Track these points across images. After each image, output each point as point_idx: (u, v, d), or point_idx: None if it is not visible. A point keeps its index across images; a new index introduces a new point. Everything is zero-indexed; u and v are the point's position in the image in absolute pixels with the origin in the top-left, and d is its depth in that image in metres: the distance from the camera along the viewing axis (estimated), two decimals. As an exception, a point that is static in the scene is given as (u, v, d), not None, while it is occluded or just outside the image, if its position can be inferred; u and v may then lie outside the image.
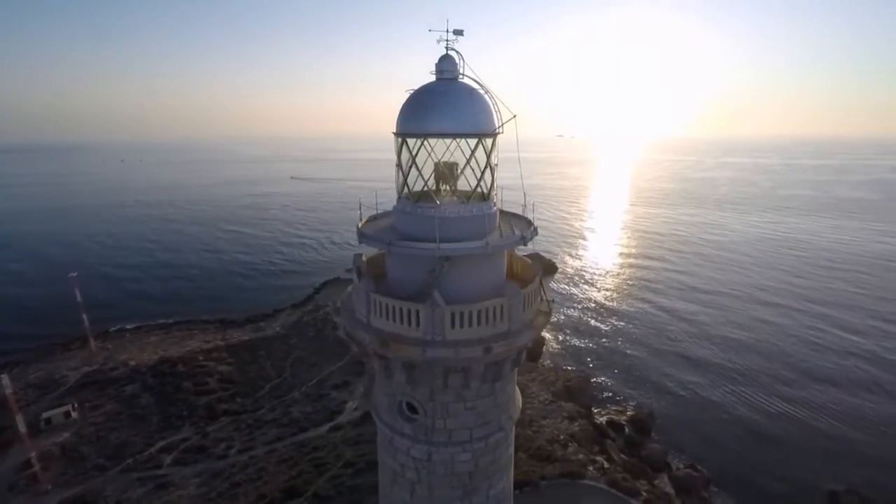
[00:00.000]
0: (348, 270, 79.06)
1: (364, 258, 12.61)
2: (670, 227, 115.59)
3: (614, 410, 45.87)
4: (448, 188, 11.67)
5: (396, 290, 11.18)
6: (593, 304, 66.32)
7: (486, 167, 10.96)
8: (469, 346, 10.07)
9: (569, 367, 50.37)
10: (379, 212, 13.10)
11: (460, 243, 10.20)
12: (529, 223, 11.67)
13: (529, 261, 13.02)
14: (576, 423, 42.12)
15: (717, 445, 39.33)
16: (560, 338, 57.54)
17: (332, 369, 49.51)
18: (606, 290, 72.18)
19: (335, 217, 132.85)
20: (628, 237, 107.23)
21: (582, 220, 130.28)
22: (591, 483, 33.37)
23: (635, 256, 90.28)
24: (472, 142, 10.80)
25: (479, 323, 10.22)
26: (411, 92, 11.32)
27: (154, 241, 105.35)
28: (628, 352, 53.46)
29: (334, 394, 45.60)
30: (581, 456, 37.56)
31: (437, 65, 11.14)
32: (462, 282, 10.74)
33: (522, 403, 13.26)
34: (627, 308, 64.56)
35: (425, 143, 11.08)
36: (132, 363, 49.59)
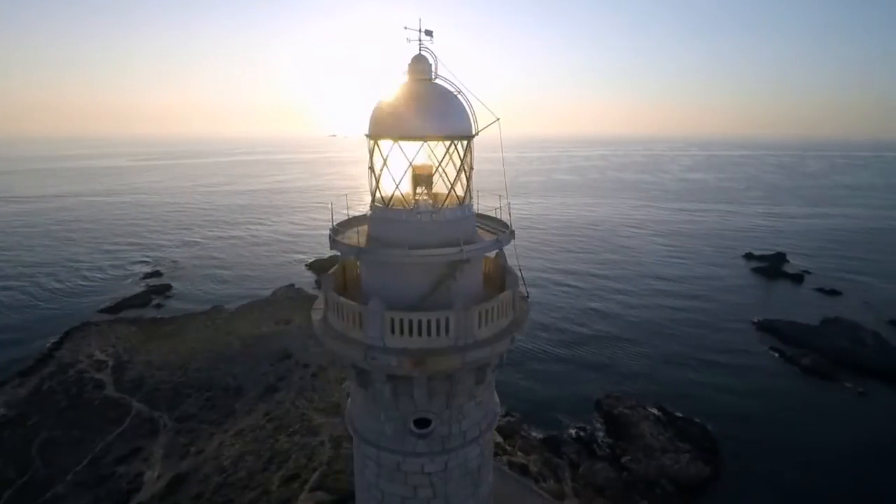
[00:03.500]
0: (102, 311, 60.31)
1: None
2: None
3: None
4: (423, 191, 11.42)
5: (388, 301, 10.35)
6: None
7: (464, 169, 11.20)
8: (498, 340, 10.42)
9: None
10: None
11: (477, 244, 10.35)
12: (504, 224, 12.35)
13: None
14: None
15: (523, 392, 46.80)
16: None
17: (108, 440, 38.13)
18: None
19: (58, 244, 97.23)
20: None
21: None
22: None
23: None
24: (449, 144, 10.86)
25: (499, 317, 10.65)
26: (384, 92, 10.59)
27: None
28: None
29: (122, 469, 35.40)
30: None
31: (410, 65, 10.71)
32: (467, 281, 10.87)
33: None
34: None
35: (402, 145, 10.59)
36: None
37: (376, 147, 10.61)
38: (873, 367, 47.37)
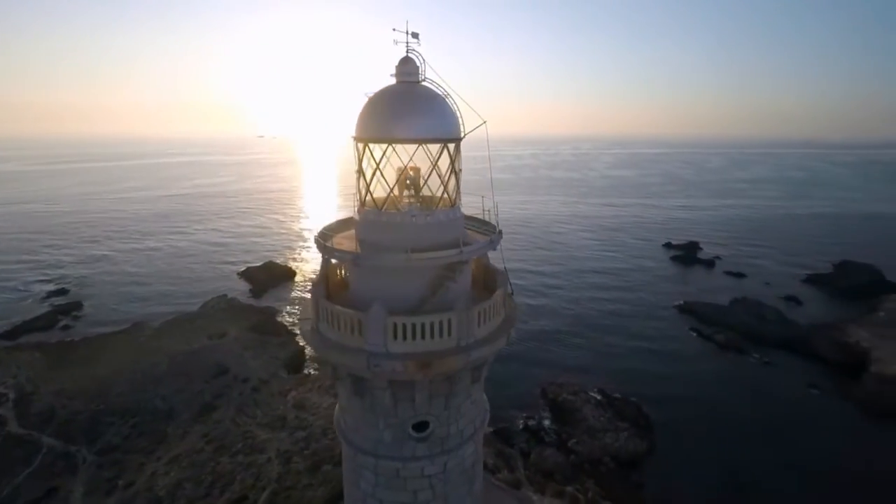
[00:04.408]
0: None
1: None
2: None
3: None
4: (411, 194, 11.34)
5: (372, 300, 10.12)
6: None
7: (454, 171, 11.28)
8: (496, 338, 10.63)
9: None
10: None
11: (476, 245, 10.47)
12: (487, 223, 12.51)
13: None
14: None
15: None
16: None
17: (16, 482, 33.58)
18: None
19: None
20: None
21: (302, 221, 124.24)
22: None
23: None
24: (438, 147, 10.89)
25: (494, 315, 10.86)
26: (371, 95, 10.37)
27: None
28: None
29: (38, 514, 31.47)
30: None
31: (398, 67, 10.58)
32: (463, 282, 10.97)
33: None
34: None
35: (390, 148, 10.48)
36: None
37: (366, 150, 10.38)
38: (774, 339, 53.67)
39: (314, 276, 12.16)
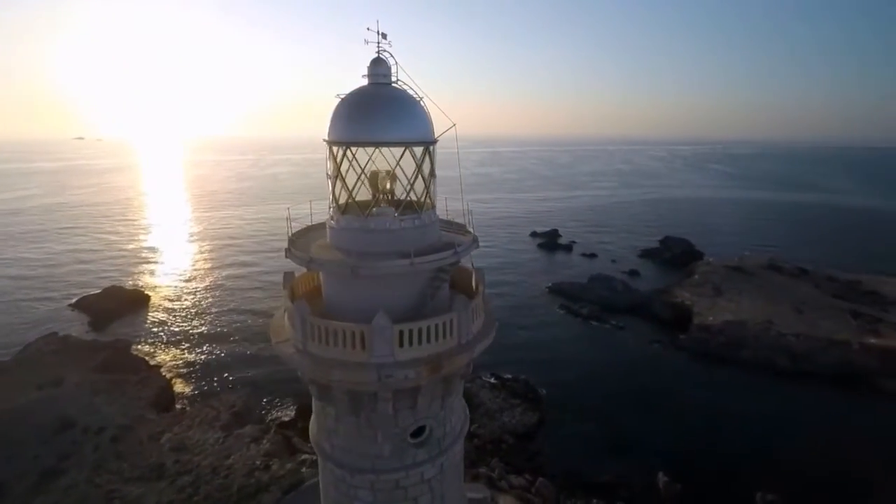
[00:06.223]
0: None
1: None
2: (253, 226, 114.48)
3: (277, 405, 46.04)
4: (384, 198, 11.04)
5: (366, 310, 9.81)
6: (198, 328, 59.74)
7: (433, 173, 11.28)
8: (488, 333, 11.00)
9: (224, 395, 45.35)
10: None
11: (465, 245, 10.64)
12: (455, 223, 12.67)
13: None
14: (264, 441, 39.97)
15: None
16: (197, 380, 50.03)
17: None
18: (197, 307, 65.98)
19: None
20: (209, 246, 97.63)
21: (149, 236, 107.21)
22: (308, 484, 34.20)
23: (217, 261, 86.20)
24: (418, 150, 10.81)
25: (483, 311, 11.21)
26: (342, 96, 9.83)
27: None
28: (248, 353, 53.02)
29: None
30: (289, 465, 36.89)
31: (369, 68, 10.18)
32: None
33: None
34: (230, 318, 62.12)
35: (361, 151, 10.16)
36: None
37: (346, 153, 9.86)
38: (624, 307, 63.34)
39: (284, 292, 11.07)
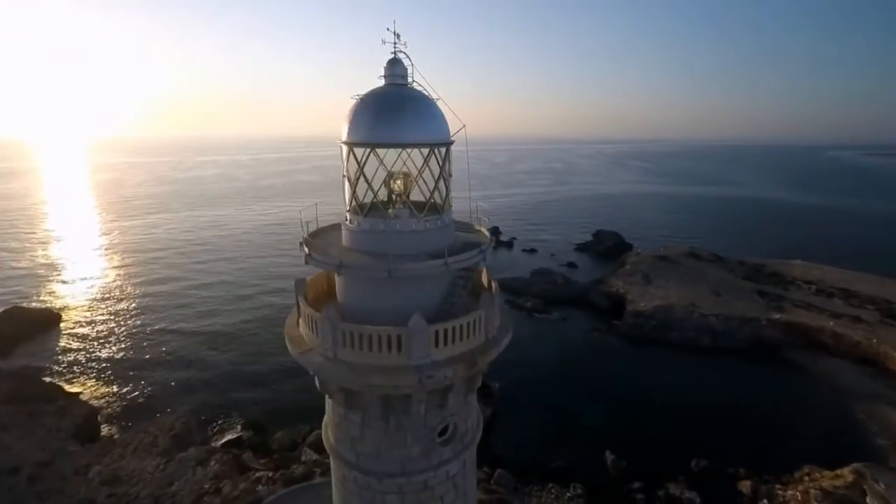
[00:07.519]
0: None
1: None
2: (173, 235, 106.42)
3: (221, 422, 43.46)
4: (401, 199, 10.94)
5: (392, 312, 9.83)
6: (120, 349, 54.29)
7: (450, 174, 11.34)
8: (506, 327, 11.33)
9: (160, 418, 41.69)
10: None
11: (487, 243, 10.89)
12: (467, 224, 12.78)
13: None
14: (211, 462, 37.39)
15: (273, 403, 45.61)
16: (126, 405, 45.60)
17: None
18: (120, 326, 60.01)
19: None
20: (125, 258, 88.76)
21: (54, 249, 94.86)
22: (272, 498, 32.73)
23: (135, 275, 78.82)
24: (446, 150, 10.81)
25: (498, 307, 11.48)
26: (361, 97, 9.64)
27: None
28: (181, 371, 49.72)
29: None
30: (243, 485, 34.92)
31: (386, 68, 10.04)
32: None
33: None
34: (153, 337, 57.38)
35: (375, 152, 10.05)
36: None
37: (368, 155, 9.68)
38: (565, 298, 66.68)
39: (293, 302, 10.59)
